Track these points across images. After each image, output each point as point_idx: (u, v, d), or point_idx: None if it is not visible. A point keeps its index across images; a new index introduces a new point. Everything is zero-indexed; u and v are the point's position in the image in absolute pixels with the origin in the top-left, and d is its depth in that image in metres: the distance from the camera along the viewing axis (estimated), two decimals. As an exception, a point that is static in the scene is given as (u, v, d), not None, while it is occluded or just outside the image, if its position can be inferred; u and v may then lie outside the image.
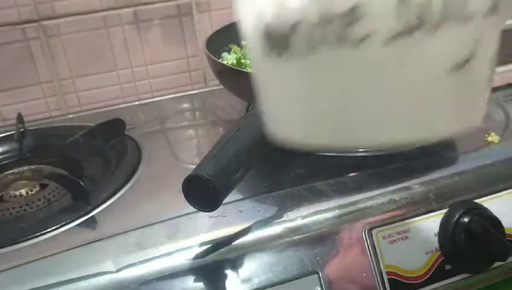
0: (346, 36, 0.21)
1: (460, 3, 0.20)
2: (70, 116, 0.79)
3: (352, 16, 0.20)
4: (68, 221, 0.49)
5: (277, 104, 0.25)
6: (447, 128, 0.23)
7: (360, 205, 0.48)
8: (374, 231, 0.46)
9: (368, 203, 0.48)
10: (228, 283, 0.43)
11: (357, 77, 0.22)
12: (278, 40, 0.23)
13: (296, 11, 0.22)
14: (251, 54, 0.25)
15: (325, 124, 0.24)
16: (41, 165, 0.64)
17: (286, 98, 0.25)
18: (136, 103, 0.82)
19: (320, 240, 0.45)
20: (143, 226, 0.47)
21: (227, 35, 0.73)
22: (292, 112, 0.25)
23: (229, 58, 0.70)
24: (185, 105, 0.81)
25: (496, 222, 0.47)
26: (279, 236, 0.45)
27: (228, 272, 0.43)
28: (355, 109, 0.22)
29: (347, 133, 0.24)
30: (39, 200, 0.55)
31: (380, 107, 0.22)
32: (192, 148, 0.67)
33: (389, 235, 0.47)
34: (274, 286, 0.43)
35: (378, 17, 0.20)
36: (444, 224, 0.48)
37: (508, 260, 0.48)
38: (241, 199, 0.50)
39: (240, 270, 0.43)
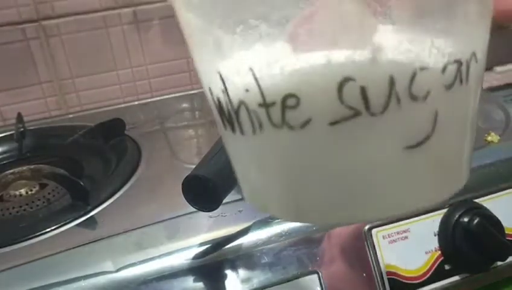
0: (287, 120, 0.20)
1: (408, 84, 0.19)
2: (70, 116, 0.79)
3: (286, 103, 0.20)
4: (68, 221, 0.49)
5: (243, 174, 0.25)
6: (417, 203, 0.22)
7: (360, 205, 0.48)
8: (373, 231, 0.46)
9: (368, 203, 0.48)
10: (228, 283, 0.43)
11: (307, 158, 0.21)
12: (228, 116, 0.22)
13: (237, 94, 0.21)
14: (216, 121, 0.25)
15: (280, 201, 0.23)
16: (41, 165, 0.64)
17: (248, 170, 0.24)
18: (136, 102, 0.82)
19: (320, 240, 0.45)
20: (143, 226, 0.47)
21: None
22: (255, 184, 0.24)
23: (229, 58, 0.70)
24: (185, 105, 0.81)
25: (495, 222, 0.47)
26: (278, 236, 0.45)
27: (228, 272, 0.43)
28: (307, 185, 0.22)
29: (305, 210, 0.23)
30: (39, 200, 0.55)
31: (331, 188, 0.21)
32: (192, 148, 0.67)
33: (388, 235, 0.46)
34: (274, 285, 0.43)
35: (316, 105, 0.19)
36: (443, 224, 0.48)
37: (508, 260, 0.48)
38: (241, 199, 0.50)
39: (239, 270, 0.43)
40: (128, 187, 0.55)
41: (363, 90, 0.19)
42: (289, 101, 0.20)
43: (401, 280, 0.46)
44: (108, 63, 0.81)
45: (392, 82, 0.19)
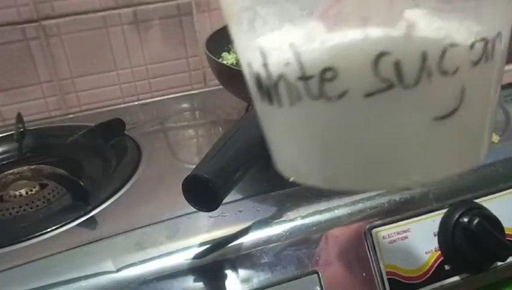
0: (325, 92, 0.21)
1: (439, 59, 0.20)
2: (70, 116, 0.79)
3: (324, 76, 0.21)
4: (68, 221, 0.49)
5: (277, 144, 0.26)
6: (443, 171, 0.23)
7: (360, 205, 0.48)
8: (373, 231, 0.46)
9: (368, 203, 0.48)
10: (228, 283, 0.43)
11: (342, 128, 0.22)
12: (267, 89, 0.24)
13: (277, 68, 0.22)
14: (251, 96, 0.26)
15: (315, 169, 0.25)
16: (41, 165, 0.64)
17: (283, 140, 0.26)
18: (136, 102, 0.82)
19: (320, 240, 0.45)
20: (143, 226, 0.47)
21: (227, 35, 0.72)
22: (289, 153, 0.26)
23: (229, 58, 0.70)
24: (185, 105, 0.81)
25: (495, 222, 0.47)
26: (278, 236, 0.45)
27: (228, 272, 0.43)
28: (340, 154, 0.23)
29: (337, 177, 0.24)
30: (39, 200, 0.55)
31: (362, 156, 0.23)
32: (192, 148, 0.67)
33: (388, 235, 0.47)
34: (274, 285, 0.43)
35: (353, 77, 0.21)
36: (443, 224, 0.48)
37: (508, 260, 0.48)
38: (240, 199, 0.50)
39: (239, 270, 0.43)
40: (128, 187, 0.55)
41: (397, 64, 0.20)
42: (327, 74, 0.21)
43: (401, 280, 0.46)
44: (108, 63, 0.81)
45: (424, 57, 0.20)
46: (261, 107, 0.25)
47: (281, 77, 0.22)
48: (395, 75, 0.20)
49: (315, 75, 0.21)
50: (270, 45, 0.22)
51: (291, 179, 0.26)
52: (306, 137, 0.24)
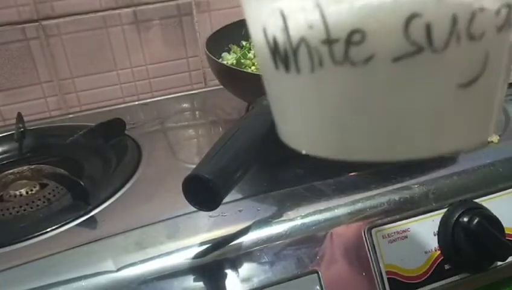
0: (350, 56, 0.21)
1: (468, 23, 0.20)
2: (70, 116, 0.79)
3: (351, 39, 0.20)
4: (68, 221, 0.49)
5: (290, 115, 0.26)
6: (454, 144, 0.23)
7: (360, 205, 0.48)
8: (373, 231, 0.46)
9: (368, 203, 0.48)
10: (228, 283, 0.43)
11: (366, 94, 0.22)
12: (284, 55, 0.23)
13: (299, 32, 0.21)
14: (260, 65, 0.25)
15: (332, 137, 0.24)
16: (41, 165, 0.64)
17: (297, 111, 0.25)
18: (136, 102, 0.82)
19: (320, 240, 0.45)
20: (143, 226, 0.47)
21: (227, 35, 0.73)
22: (303, 124, 0.25)
23: (229, 58, 0.70)
24: (185, 105, 0.81)
25: (495, 222, 0.47)
26: (278, 235, 0.45)
27: (228, 271, 0.43)
28: (361, 123, 0.22)
29: (354, 148, 0.24)
30: (39, 200, 0.55)
31: (385, 124, 0.22)
32: (192, 148, 0.67)
33: (388, 234, 0.47)
34: (274, 285, 0.43)
35: (381, 40, 0.20)
36: (443, 224, 0.48)
37: (508, 260, 0.48)
38: (240, 199, 0.50)
39: (239, 270, 0.43)
40: (128, 187, 0.55)
41: (428, 27, 0.20)
42: (354, 36, 0.20)
43: (401, 279, 0.46)
44: (108, 63, 0.81)
45: (454, 20, 0.20)
46: (274, 76, 0.24)
47: (303, 40, 0.21)
48: (424, 38, 0.20)
49: (341, 38, 0.20)
50: (292, 7, 0.21)
51: (304, 151, 0.25)
52: (325, 105, 0.23)
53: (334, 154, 0.24)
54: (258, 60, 0.25)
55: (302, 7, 0.21)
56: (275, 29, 0.22)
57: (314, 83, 0.22)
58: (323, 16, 0.21)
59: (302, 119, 0.24)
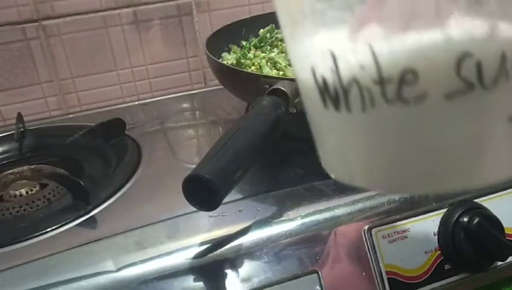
0: (403, 95, 0.21)
1: None
2: (70, 116, 0.79)
3: (404, 78, 0.21)
4: (68, 221, 0.49)
5: (338, 150, 0.26)
6: (504, 173, 0.23)
7: (360, 205, 0.48)
8: (373, 231, 0.46)
9: (368, 203, 0.48)
10: (228, 283, 0.43)
11: (419, 131, 0.22)
12: (334, 95, 0.23)
13: (350, 72, 0.22)
14: (305, 102, 0.25)
15: (384, 172, 0.24)
16: (41, 165, 0.64)
17: (346, 146, 0.25)
18: (136, 102, 0.82)
19: (320, 240, 0.45)
20: (143, 226, 0.47)
21: (227, 35, 0.73)
22: (352, 159, 0.25)
23: (229, 58, 0.70)
24: (185, 105, 0.81)
25: (495, 222, 0.47)
26: (278, 235, 0.45)
27: (228, 271, 0.43)
28: (413, 159, 0.23)
29: (406, 182, 0.24)
30: (39, 199, 0.55)
31: (437, 158, 0.23)
32: (192, 148, 0.67)
33: (388, 234, 0.47)
34: (274, 285, 0.43)
35: (434, 79, 0.20)
36: (443, 224, 0.48)
37: (508, 260, 0.48)
38: (240, 199, 0.50)
39: (239, 270, 0.43)
40: (128, 187, 0.55)
41: (479, 65, 0.20)
42: (407, 76, 0.20)
43: (401, 279, 0.46)
44: (108, 63, 0.81)
45: (504, 57, 0.20)
46: (322, 114, 0.24)
47: (354, 81, 0.21)
48: (476, 76, 0.20)
49: (394, 77, 0.21)
50: (343, 48, 0.22)
51: (354, 183, 0.26)
52: (377, 142, 0.23)
53: (386, 189, 0.25)
54: (303, 97, 0.25)
55: (353, 48, 0.21)
56: (325, 70, 0.22)
57: (366, 122, 0.23)
58: (375, 56, 0.21)
59: (352, 155, 0.25)
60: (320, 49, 0.22)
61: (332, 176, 0.26)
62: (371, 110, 0.22)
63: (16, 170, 0.63)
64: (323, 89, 0.23)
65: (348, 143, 0.25)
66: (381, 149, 0.23)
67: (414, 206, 0.48)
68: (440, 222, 0.48)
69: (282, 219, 0.47)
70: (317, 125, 0.26)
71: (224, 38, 0.73)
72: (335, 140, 0.25)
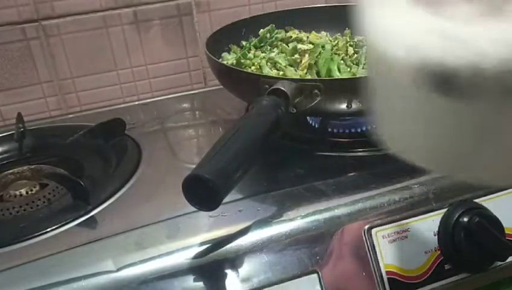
0: (504, 84, 0.21)
1: None
2: (70, 116, 0.79)
3: (503, 71, 0.21)
4: (68, 221, 0.49)
5: (409, 128, 0.26)
6: None
7: (360, 205, 0.48)
8: (373, 231, 0.46)
9: (368, 203, 0.48)
10: (228, 283, 0.43)
11: (501, 125, 0.23)
12: (433, 77, 0.23)
13: (461, 59, 0.22)
14: (385, 78, 0.25)
15: (458, 161, 0.25)
16: (41, 165, 0.64)
17: (424, 128, 0.25)
18: (136, 102, 0.82)
19: (320, 240, 0.45)
20: (143, 226, 0.47)
21: (227, 35, 0.73)
22: (422, 137, 0.26)
23: (229, 58, 0.70)
24: (185, 105, 0.81)
25: (495, 222, 0.47)
26: (278, 236, 0.45)
27: (228, 271, 0.43)
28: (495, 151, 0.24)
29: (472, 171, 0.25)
30: (39, 200, 0.55)
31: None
32: (192, 148, 0.67)
33: (388, 234, 0.47)
34: (274, 285, 0.43)
35: None
36: (443, 224, 0.48)
37: (508, 260, 0.48)
38: (240, 199, 0.50)
39: (239, 270, 0.43)
40: (128, 187, 0.55)
41: None
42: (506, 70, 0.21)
43: (400, 279, 0.46)
44: (108, 63, 0.81)
45: None
46: (406, 92, 0.24)
47: (466, 68, 0.21)
48: None
49: (491, 71, 0.21)
50: (448, 33, 0.21)
51: (412, 160, 0.26)
52: (456, 129, 0.24)
53: (452, 173, 0.26)
54: (383, 73, 0.25)
55: (473, 34, 0.21)
56: (432, 51, 0.22)
57: (451, 108, 0.23)
58: (485, 49, 0.21)
59: (424, 134, 0.25)
60: (426, 28, 0.22)
61: (389, 145, 0.27)
62: (460, 99, 0.22)
63: (16, 170, 0.63)
64: (420, 69, 0.23)
65: (422, 122, 0.25)
66: (459, 138, 0.24)
67: (414, 206, 0.48)
68: (440, 222, 0.48)
69: (282, 219, 0.47)
70: (394, 102, 0.26)
71: (224, 38, 0.73)
72: (411, 118, 0.25)
